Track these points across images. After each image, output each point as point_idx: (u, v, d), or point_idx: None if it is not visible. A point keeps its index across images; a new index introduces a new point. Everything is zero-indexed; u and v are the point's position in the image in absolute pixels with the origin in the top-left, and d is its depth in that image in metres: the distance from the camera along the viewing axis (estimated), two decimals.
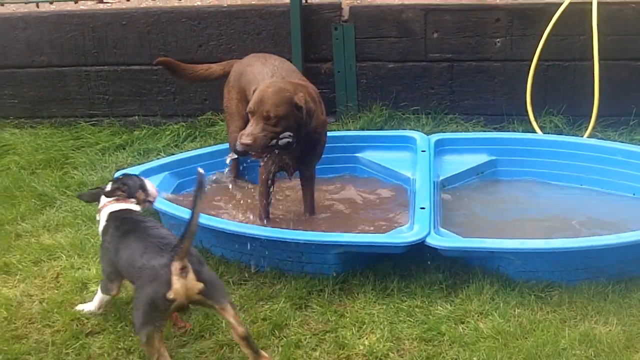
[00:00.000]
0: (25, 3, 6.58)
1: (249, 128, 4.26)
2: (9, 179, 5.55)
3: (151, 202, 4.09)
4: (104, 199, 3.93)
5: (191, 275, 3.29)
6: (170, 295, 3.25)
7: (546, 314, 3.81)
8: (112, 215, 3.83)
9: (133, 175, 4.13)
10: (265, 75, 4.76)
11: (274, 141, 4.25)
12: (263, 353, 3.44)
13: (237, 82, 5.07)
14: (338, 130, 5.95)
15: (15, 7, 6.62)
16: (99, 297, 3.92)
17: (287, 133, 4.26)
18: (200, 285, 3.30)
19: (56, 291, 4.19)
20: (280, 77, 4.68)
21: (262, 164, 4.63)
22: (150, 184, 4.10)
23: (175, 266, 3.25)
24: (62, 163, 5.88)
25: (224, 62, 5.40)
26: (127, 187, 3.94)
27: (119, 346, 3.70)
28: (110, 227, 3.77)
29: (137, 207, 3.92)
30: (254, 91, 4.41)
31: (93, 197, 4.04)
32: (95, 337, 3.80)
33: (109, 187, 3.93)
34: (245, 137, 4.21)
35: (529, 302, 3.89)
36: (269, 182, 4.69)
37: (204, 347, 3.70)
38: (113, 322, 3.88)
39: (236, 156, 4.72)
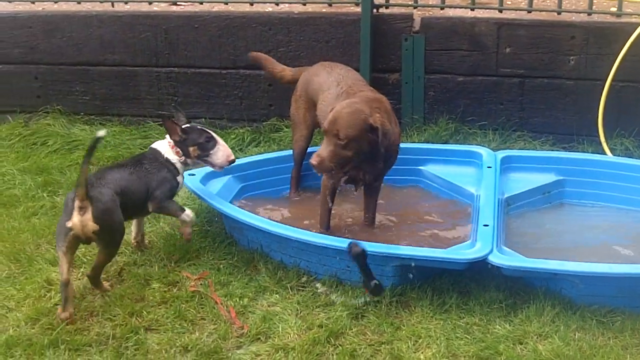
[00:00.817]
0: (101, 2, 6.72)
1: (321, 148, 4.30)
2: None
3: (212, 165, 4.55)
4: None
5: (88, 216, 3.88)
6: (69, 224, 3.88)
7: (607, 340, 3.72)
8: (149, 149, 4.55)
9: (205, 131, 4.50)
10: (331, 85, 4.78)
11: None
12: (104, 286, 4.16)
13: (304, 92, 5.11)
14: (402, 142, 5.90)
15: (91, 5, 6.77)
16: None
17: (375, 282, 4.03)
18: (96, 227, 3.90)
19: (118, 286, 4.26)
20: (345, 86, 4.68)
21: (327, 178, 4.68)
22: (224, 150, 4.50)
23: (76, 203, 3.86)
24: None
25: (295, 69, 5.44)
26: (185, 136, 4.44)
27: (177, 343, 3.75)
28: None
29: (174, 157, 4.44)
30: (330, 110, 4.41)
31: (167, 126, 4.45)
32: (153, 333, 3.86)
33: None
34: (314, 157, 4.27)
35: (590, 326, 3.80)
36: (333, 192, 4.70)
37: (259, 349, 3.72)
38: (172, 319, 3.94)
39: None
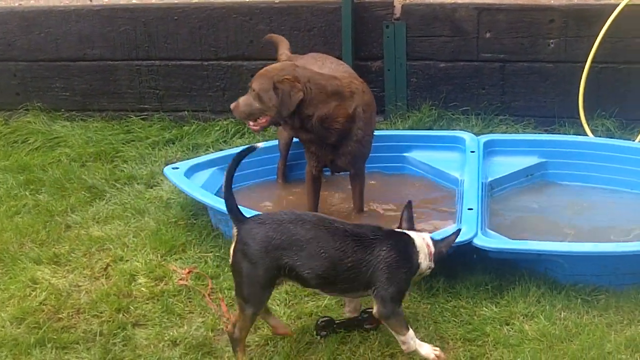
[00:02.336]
0: None
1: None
2: (59, 171, 5.64)
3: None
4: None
5: (232, 246, 3.45)
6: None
7: (592, 318, 3.76)
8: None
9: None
10: None
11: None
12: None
13: None
14: (387, 129, 5.94)
15: (68, 0, 6.72)
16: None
17: None
18: (231, 260, 3.47)
19: (104, 282, 4.25)
20: None
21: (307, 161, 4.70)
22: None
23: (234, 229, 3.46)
24: (112, 156, 5.96)
25: (290, 55, 5.34)
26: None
27: (165, 337, 3.74)
28: None
29: (425, 263, 3.54)
30: None
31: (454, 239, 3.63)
32: (141, 328, 3.85)
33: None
34: (233, 103, 4.52)
35: (575, 305, 3.84)
36: (316, 179, 4.73)
37: (249, 341, 3.68)
38: (160, 314, 3.93)
39: None
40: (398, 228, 3.65)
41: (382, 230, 3.54)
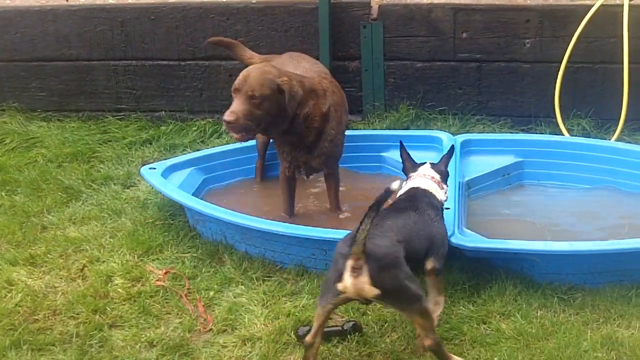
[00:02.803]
0: None
1: (233, 105, 4.21)
2: (35, 172, 5.60)
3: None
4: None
5: (364, 278, 3.16)
6: (339, 286, 3.20)
7: (569, 316, 3.78)
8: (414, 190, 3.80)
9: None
10: None
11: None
12: None
13: None
14: (364, 129, 5.96)
15: (45, 0, 6.68)
16: None
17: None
18: (376, 291, 3.17)
19: (81, 283, 4.23)
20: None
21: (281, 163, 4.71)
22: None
23: (349, 263, 3.16)
24: (89, 157, 5.93)
25: (263, 56, 5.34)
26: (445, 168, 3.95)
27: (142, 339, 3.73)
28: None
29: (443, 198, 3.83)
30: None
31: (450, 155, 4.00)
32: (117, 329, 3.83)
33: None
34: (228, 115, 4.16)
35: (551, 304, 3.86)
36: (290, 179, 4.73)
37: (226, 341, 3.71)
38: (137, 315, 3.91)
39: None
40: (403, 170, 3.94)
41: (409, 198, 3.73)
